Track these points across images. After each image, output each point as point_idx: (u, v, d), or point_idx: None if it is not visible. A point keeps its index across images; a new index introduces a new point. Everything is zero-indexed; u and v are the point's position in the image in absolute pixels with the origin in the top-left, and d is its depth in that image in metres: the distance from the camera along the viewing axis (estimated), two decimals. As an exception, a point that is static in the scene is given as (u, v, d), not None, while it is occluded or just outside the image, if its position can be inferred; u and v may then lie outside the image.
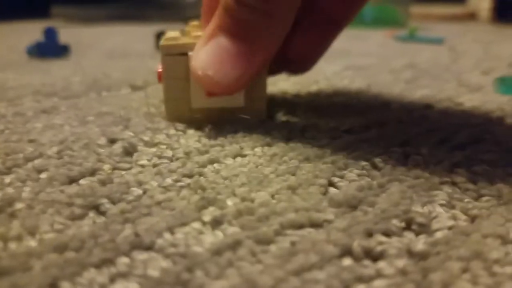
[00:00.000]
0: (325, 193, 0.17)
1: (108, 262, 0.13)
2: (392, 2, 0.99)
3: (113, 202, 0.17)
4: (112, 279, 0.12)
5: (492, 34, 0.93)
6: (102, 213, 0.16)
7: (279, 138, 0.23)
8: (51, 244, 0.14)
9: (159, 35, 0.58)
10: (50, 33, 0.52)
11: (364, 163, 0.20)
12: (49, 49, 0.53)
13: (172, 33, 0.26)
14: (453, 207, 0.16)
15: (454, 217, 0.16)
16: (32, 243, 0.14)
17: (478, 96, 0.34)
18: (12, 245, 0.14)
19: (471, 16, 1.49)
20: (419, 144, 0.22)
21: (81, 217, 0.16)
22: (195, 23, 0.29)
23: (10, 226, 0.15)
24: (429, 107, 0.30)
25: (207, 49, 0.22)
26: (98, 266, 0.13)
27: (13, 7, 1.12)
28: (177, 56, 0.24)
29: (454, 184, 0.18)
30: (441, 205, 0.16)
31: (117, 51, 0.60)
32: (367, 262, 0.13)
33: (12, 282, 0.12)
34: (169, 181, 0.18)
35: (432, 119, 0.27)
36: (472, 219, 0.16)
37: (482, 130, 0.25)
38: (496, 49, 0.63)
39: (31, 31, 0.89)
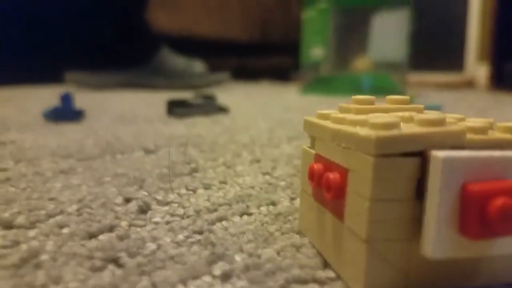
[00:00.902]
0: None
1: (127, 309, 0.14)
2: (388, 70, 1.04)
3: (131, 256, 0.18)
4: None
5: (488, 100, 0.97)
6: (120, 265, 0.17)
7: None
8: (75, 292, 0.15)
9: (172, 103, 0.61)
10: (66, 99, 0.56)
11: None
12: (65, 113, 0.56)
13: (378, 116, 0.16)
14: None
15: None
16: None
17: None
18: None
19: (469, 84, 1.55)
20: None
21: (101, 269, 0.17)
22: (361, 97, 0.19)
23: (35, 276, 0.16)
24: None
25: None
26: (119, 313, 0.14)
27: (28, 72, 1.19)
28: (402, 158, 0.14)
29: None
30: None
31: (127, 116, 0.63)
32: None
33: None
34: (181, 237, 0.20)
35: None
36: None
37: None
38: (491, 114, 0.66)
39: (45, 96, 0.94)
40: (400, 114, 0.16)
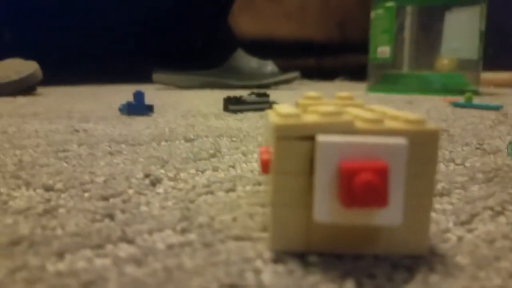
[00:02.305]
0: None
1: (99, 246, 0.19)
2: (461, 69, 0.99)
3: (123, 213, 0.23)
4: (97, 255, 0.18)
5: None
6: (113, 219, 0.22)
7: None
8: (71, 232, 0.20)
9: (227, 98, 0.67)
10: (138, 95, 0.64)
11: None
12: (137, 108, 0.64)
13: (287, 107, 0.19)
14: None
15: None
16: (59, 231, 0.21)
17: (488, 158, 0.36)
18: (47, 232, 0.21)
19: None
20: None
21: (99, 221, 0.22)
22: (311, 94, 0.22)
23: (50, 222, 0.22)
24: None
25: None
26: (93, 247, 0.19)
27: (120, 73, 1.34)
28: (297, 141, 0.17)
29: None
30: None
31: (192, 111, 0.70)
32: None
33: (35, 250, 0.18)
34: (169, 203, 0.24)
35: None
36: None
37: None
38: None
39: (129, 93, 1.06)
40: (327, 107, 0.18)
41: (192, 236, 0.20)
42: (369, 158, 0.16)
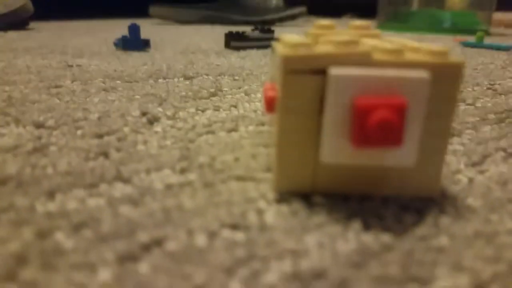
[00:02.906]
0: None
1: (93, 186, 0.18)
2: (473, 8, 0.95)
3: (118, 151, 0.22)
4: (90, 195, 0.17)
5: None
6: (107, 157, 0.21)
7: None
8: (63, 171, 0.19)
9: (229, 34, 0.64)
10: (133, 29, 0.61)
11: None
12: (132, 43, 0.61)
13: (296, 37, 0.17)
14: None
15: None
16: (50, 170, 0.20)
17: (500, 99, 0.34)
18: (37, 171, 0.20)
19: None
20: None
21: (93, 159, 0.21)
22: (323, 22, 0.20)
23: (40, 161, 0.21)
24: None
25: None
26: (86, 187, 0.18)
27: (116, 6, 1.28)
28: (307, 75, 0.15)
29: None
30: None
31: (191, 48, 0.67)
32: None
33: (23, 190, 0.17)
34: (168, 143, 0.23)
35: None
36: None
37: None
38: None
39: (125, 27, 1.02)
40: (342, 37, 0.16)
41: (192, 176, 0.19)
42: (387, 93, 0.14)
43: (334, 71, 0.14)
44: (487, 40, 0.80)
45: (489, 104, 0.33)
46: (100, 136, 0.24)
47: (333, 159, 0.15)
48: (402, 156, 0.15)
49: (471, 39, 0.80)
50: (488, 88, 0.39)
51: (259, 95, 0.35)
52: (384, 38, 0.19)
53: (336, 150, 0.15)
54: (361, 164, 0.15)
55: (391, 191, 0.17)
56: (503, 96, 0.36)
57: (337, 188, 0.17)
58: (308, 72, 0.15)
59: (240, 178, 0.19)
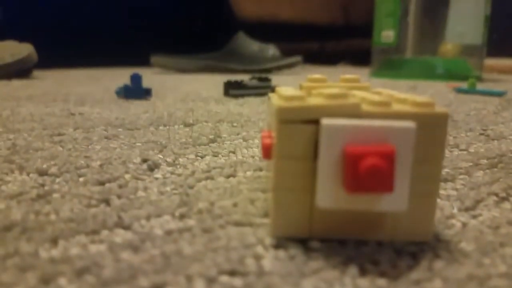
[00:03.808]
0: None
1: (95, 232, 0.19)
2: (465, 55, 0.98)
3: (119, 198, 0.22)
4: (92, 241, 0.18)
5: None
6: (109, 205, 0.22)
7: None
8: (65, 217, 0.20)
9: (228, 83, 0.66)
10: (135, 78, 0.63)
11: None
12: (134, 91, 0.63)
13: (290, 90, 0.18)
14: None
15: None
16: (53, 217, 0.20)
17: (492, 144, 0.35)
18: (41, 217, 0.20)
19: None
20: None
21: (94, 206, 0.22)
22: (315, 76, 0.21)
23: (43, 208, 0.21)
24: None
25: None
26: (88, 233, 0.18)
27: (118, 55, 1.32)
28: (301, 125, 0.16)
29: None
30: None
31: (191, 95, 0.69)
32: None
33: (28, 236, 0.18)
34: (167, 189, 0.24)
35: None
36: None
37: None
38: None
39: (127, 76, 1.04)
40: (333, 90, 0.17)
41: (191, 222, 0.20)
42: (375, 142, 0.15)
43: (326, 121, 0.15)
44: (480, 86, 0.83)
45: (482, 150, 0.34)
46: (101, 183, 0.25)
47: (327, 204, 0.16)
48: (394, 202, 0.16)
49: (464, 85, 0.83)
50: (481, 134, 0.41)
51: (257, 141, 0.36)
52: (372, 90, 0.21)
53: (330, 195, 0.16)
54: (355, 209, 0.16)
55: (386, 236, 0.18)
56: (495, 141, 0.38)
57: (333, 233, 0.17)
58: (302, 122, 0.16)
59: (238, 224, 0.19)
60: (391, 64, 1.05)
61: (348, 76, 0.22)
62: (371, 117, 0.16)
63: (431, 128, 0.16)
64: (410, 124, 0.15)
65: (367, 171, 0.14)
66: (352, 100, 0.16)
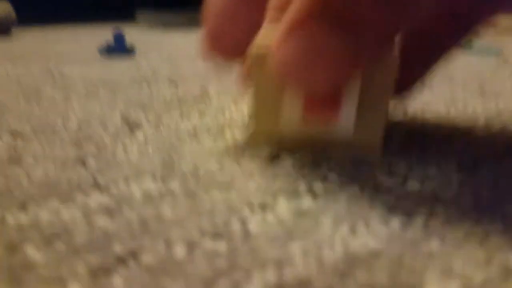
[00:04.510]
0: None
1: (68, 196, 0.17)
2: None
3: (96, 159, 0.21)
4: (65, 206, 0.17)
5: None
6: (85, 166, 0.20)
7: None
8: (38, 181, 0.18)
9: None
10: (118, 37, 0.60)
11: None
12: (117, 49, 0.60)
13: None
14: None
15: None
16: (24, 181, 0.19)
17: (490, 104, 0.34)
18: (11, 181, 0.19)
19: None
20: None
21: (70, 168, 0.20)
22: None
23: (14, 171, 0.20)
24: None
25: (292, 42, 0.15)
26: (61, 197, 0.17)
27: (101, 11, 1.27)
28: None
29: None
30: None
31: (178, 53, 0.66)
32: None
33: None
34: (149, 150, 0.22)
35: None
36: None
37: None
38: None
39: (110, 32, 1.00)
40: None
41: (173, 185, 0.18)
42: None
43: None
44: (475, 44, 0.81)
45: (479, 110, 0.33)
46: (78, 144, 0.23)
47: (290, 127, 0.20)
48: (341, 127, 0.19)
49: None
50: (479, 92, 0.39)
51: (247, 100, 0.34)
52: None
53: (291, 120, 0.19)
54: (310, 131, 0.20)
55: (341, 151, 0.20)
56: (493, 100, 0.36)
57: (296, 148, 0.20)
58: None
59: (223, 187, 0.18)
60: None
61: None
62: None
63: (379, 63, 0.18)
64: None
65: (312, 100, 0.18)
66: None
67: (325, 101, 0.18)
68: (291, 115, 0.19)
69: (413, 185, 0.18)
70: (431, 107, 0.32)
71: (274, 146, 0.21)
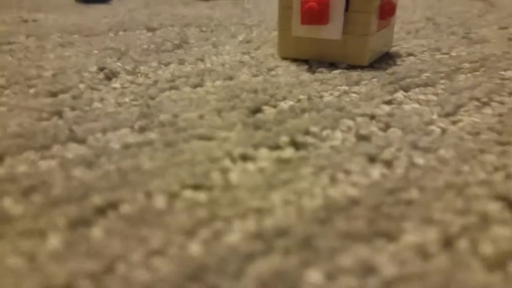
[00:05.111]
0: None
1: (45, 148, 0.17)
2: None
3: (73, 110, 0.20)
4: (42, 158, 0.16)
5: None
6: (61, 117, 0.20)
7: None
8: (13, 132, 0.18)
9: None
10: (94, -19, 0.57)
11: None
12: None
13: None
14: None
15: (348, 141, 0.18)
16: (0, 133, 0.18)
17: (475, 48, 0.34)
18: (-15, 133, 0.18)
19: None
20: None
21: (46, 119, 0.20)
22: None
23: (-11, 121, 0.19)
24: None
25: None
26: (37, 149, 0.17)
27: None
28: None
29: (372, 117, 0.20)
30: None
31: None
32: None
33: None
34: (126, 100, 0.22)
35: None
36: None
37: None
38: None
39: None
40: None
41: (152, 135, 0.18)
42: None
43: None
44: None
45: (464, 53, 0.33)
46: (54, 94, 0.22)
47: (295, 33, 0.28)
48: (332, 32, 0.27)
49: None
50: (464, 37, 0.39)
51: (227, 47, 0.33)
52: None
53: (296, 28, 0.28)
54: (309, 36, 0.28)
55: (336, 58, 0.28)
56: (478, 44, 0.36)
57: (306, 55, 0.29)
58: None
59: (204, 137, 0.18)
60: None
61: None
62: None
63: None
64: None
65: (306, 10, 0.26)
66: None
67: (316, 12, 0.26)
68: (296, 24, 0.28)
69: (394, 132, 0.18)
70: (416, 53, 0.31)
71: (295, 54, 0.29)
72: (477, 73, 0.28)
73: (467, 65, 0.29)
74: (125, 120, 0.19)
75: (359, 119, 0.20)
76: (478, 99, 0.23)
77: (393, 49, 0.33)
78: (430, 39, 0.37)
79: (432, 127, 0.19)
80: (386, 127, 0.19)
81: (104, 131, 0.18)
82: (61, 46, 0.33)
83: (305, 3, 0.26)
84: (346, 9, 0.27)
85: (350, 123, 0.19)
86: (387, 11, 0.28)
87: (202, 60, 0.29)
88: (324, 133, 0.18)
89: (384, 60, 0.30)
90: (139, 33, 0.38)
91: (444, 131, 0.19)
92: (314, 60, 0.28)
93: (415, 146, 0.17)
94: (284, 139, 0.18)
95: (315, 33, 0.27)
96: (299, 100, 0.22)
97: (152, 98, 0.22)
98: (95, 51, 0.31)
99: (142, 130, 0.18)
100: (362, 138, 0.18)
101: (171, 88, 0.23)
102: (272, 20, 0.45)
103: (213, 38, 0.36)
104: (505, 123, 0.20)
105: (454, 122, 0.20)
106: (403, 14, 0.51)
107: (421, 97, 0.23)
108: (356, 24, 0.26)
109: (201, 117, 0.20)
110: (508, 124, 0.20)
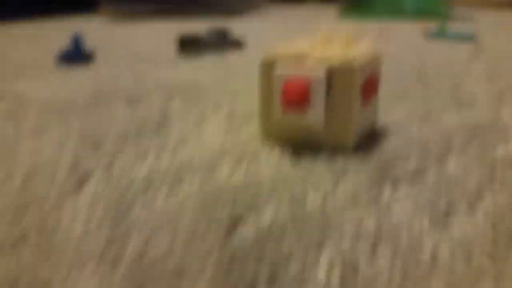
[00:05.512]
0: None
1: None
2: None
3: (39, 233, 0.19)
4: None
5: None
6: (29, 244, 0.18)
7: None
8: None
9: (183, 41, 0.59)
10: (76, 41, 0.56)
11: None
12: (75, 56, 0.57)
13: (301, 43, 0.30)
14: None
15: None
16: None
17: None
18: None
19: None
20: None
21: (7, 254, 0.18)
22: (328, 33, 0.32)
23: None
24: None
25: None
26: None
27: (63, 3, 1.20)
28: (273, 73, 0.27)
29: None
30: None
31: (140, 55, 0.63)
32: None
33: None
34: (94, 222, 0.20)
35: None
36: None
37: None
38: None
39: (72, 27, 0.95)
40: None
41: (116, 278, 0.16)
42: (301, 83, 0.26)
43: (278, 70, 0.27)
44: (450, 25, 0.79)
45: (453, 123, 0.32)
46: (20, 213, 0.21)
47: (278, 118, 0.27)
48: (313, 119, 0.26)
49: (436, 25, 0.79)
50: (452, 99, 0.38)
51: (213, 121, 0.32)
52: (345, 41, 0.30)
53: (278, 114, 0.27)
54: (293, 123, 0.27)
55: (319, 140, 0.27)
56: (466, 109, 0.35)
57: (286, 137, 0.28)
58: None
59: (173, 277, 0.16)
60: (360, 3, 0.99)
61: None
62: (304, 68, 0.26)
63: (342, 74, 0.26)
64: (321, 73, 0.26)
65: (287, 100, 0.26)
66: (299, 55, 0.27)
67: (297, 99, 0.26)
68: (278, 108, 0.27)
69: (383, 256, 0.17)
70: (404, 125, 0.30)
71: (279, 137, 0.28)
72: (467, 154, 0.26)
73: (457, 141, 0.28)
74: (89, 257, 0.18)
75: (344, 238, 0.18)
76: (468, 198, 0.21)
77: (380, 121, 0.32)
78: (417, 103, 0.36)
79: (423, 244, 0.18)
80: (373, 247, 0.18)
81: (65, 276, 0.17)
82: (36, 132, 0.32)
83: (285, 93, 0.26)
84: (327, 92, 0.26)
85: (335, 251, 0.18)
86: (369, 91, 0.27)
87: (183, 143, 0.28)
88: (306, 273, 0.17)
89: (369, 140, 0.29)
90: (120, 108, 0.37)
91: (434, 251, 0.18)
92: (298, 142, 0.28)
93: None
94: (261, 278, 0.16)
95: (297, 120, 0.26)
96: (279, 209, 0.21)
97: (124, 212, 0.21)
98: (71, 139, 0.30)
99: (111, 267, 0.17)
100: (348, 273, 0.17)
101: (145, 190, 0.22)
102: (256, 82, 0.44)
103: (196, 112, 0.35)
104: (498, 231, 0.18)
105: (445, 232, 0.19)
106: (390, 68, 0.51)
107: (410, 192, 0.22)
108: (338, 107, 0.26)
109: (169, 250, 0.18)
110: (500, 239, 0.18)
